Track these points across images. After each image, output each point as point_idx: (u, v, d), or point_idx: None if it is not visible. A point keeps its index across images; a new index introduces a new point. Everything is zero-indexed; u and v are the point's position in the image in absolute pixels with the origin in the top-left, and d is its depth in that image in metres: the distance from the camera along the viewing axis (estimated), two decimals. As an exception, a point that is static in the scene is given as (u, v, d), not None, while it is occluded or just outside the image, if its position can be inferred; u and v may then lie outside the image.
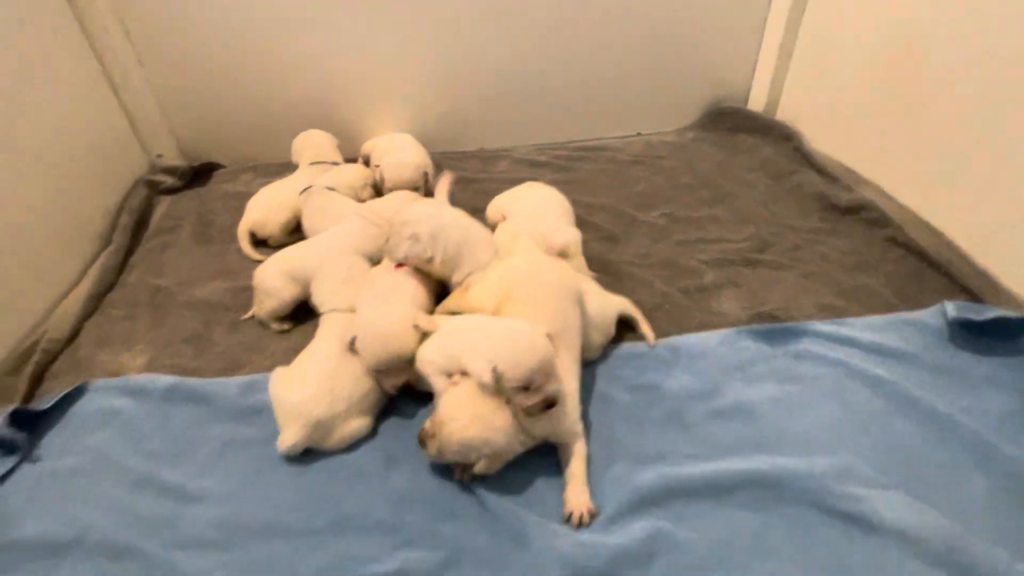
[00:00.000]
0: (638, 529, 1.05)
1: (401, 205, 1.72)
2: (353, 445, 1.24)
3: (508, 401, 1.11)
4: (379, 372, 1.26)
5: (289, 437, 1.19)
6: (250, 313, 1.58)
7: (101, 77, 2.05)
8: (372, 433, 1.27)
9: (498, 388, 1.10)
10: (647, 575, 1.00)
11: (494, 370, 1.09)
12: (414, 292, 1.39)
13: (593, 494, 1.12)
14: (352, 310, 1.39)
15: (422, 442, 1.14)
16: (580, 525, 1.07)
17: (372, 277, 1.46)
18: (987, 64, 1.50)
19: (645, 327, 1.43)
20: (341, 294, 1.42)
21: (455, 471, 1.15)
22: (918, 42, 1.69)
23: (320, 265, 1.49)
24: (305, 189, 1.81)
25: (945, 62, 1.62)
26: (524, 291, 1.27)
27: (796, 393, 1.29)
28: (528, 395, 1.09)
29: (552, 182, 2.08)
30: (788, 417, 1.24)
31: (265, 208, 1.87)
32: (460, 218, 1.47)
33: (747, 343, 1.42)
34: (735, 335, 1.44)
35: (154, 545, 1.08)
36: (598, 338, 1.37)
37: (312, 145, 2.05)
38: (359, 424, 1.24)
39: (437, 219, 1.42)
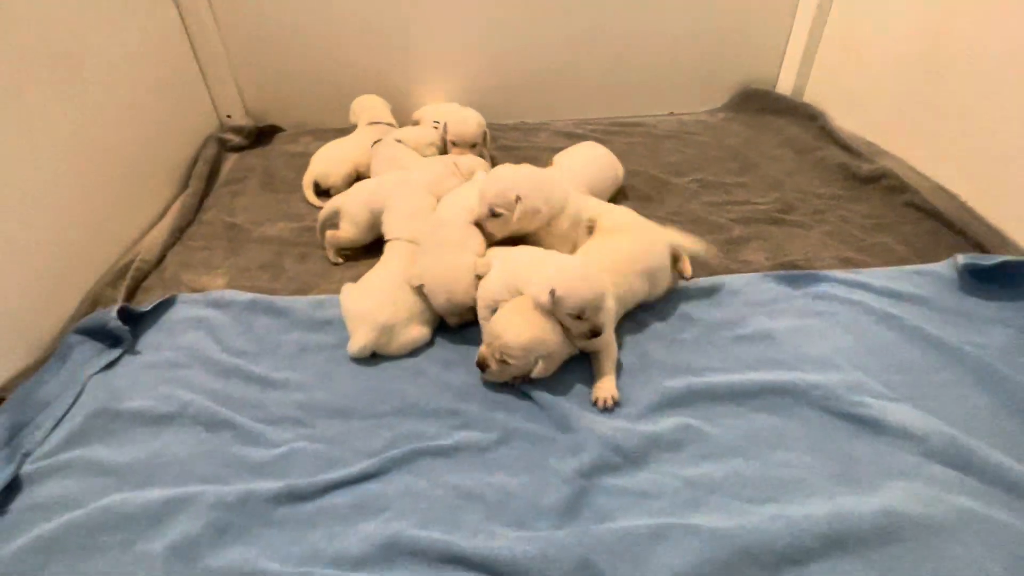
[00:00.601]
0: (669, 422, 1.19)
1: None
2: (414, 352, 1.40)
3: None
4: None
5: (358, 340, 1.35)
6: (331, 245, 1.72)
7: (184, 40, 2.26)
8: (430, 343, 1.42)
9: (552, 310, 1.24)
10: (676, 457, 1.13)
11: (552, 292, 1.22)
12: (476, 243, 1.50)
13: (626, 394, 1.26)
14: (414, 242, 1.55)
15: (482, 366, 1.26)
16: (604, 408, 1.22)
17: (437, 224, 1.54)
18: (1009, 47, 1.62)
19: (685, 262, 1.53)
20: (406, 225, 1.58)
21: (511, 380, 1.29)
22: (945, 28, 1.82)
23: (393, 196, 1.65)
24: (377, 141, 1.98)
25: (968, 45, 1.75)
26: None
27: (814, 325, 1.42)
28: (579, 323, 1.24)
29: (589, 152, 2.25)
30: (805, 342, 1.37)
31: (329, 160, 2.05)
32: (534, 170, 1.57)
33: (771, 285, 1.55)
34: (760, 278, 1.57)
35: (244, 419, 1.24)
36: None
37: (369, 107, 2.23)
38: (419, 332, 1.40)
39: (526, 176, 1.50)
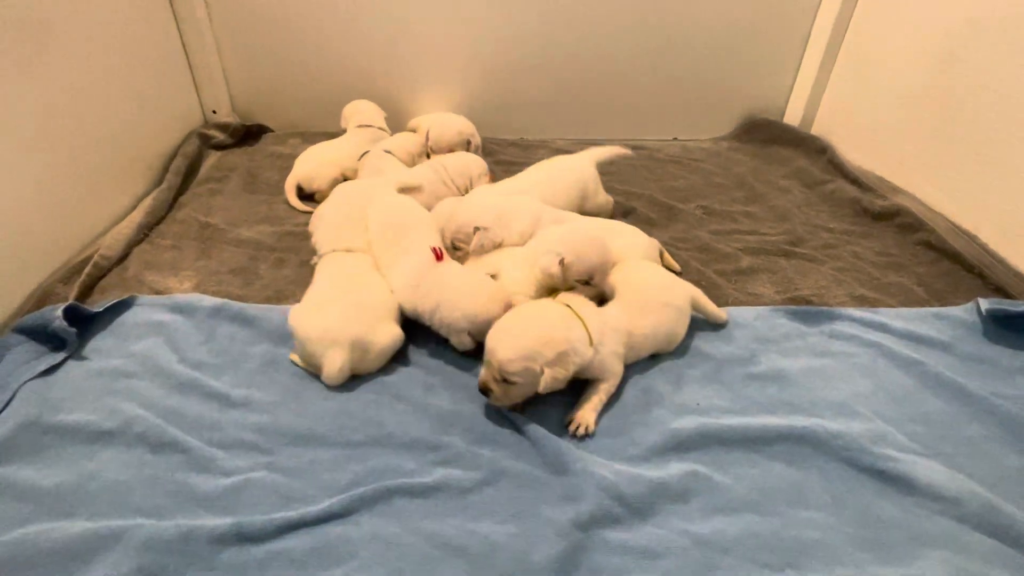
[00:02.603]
0: (676, 468, 1.06)
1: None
2: (391, 371, 1.26)
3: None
4: (462, 332, 1.26)
5: (333, 363, 1.19)
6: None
7: (172, 26, 2.14)
8: (407, 362, 1.29)
9: (563, 278, 1.27)
10: (685, 509, 1.00)
11: (561, 261, 1.23)
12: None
13: (629, 432, 1.13)
14: (350, 250, 1.43)
15: (485, 390, 1.13)
16: (575, 436, 1.11)
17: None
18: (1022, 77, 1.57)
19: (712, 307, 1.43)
20: (339, 236, 1.45)
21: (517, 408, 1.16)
22: (958, 58, 1.77)
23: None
24: (364, 154, 1.87)
25: (983, 78, 1.69)
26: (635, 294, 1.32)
27: (830, 366, 1.31)
28: (587, 288, 1.27)
29: (590, 172, 2.16)
30: (822, 386, 1.26)
31: (316, 163, 1.93)
32: (500, 200, 1.53)
33: (782, 320, 1.44)
34: (770, 312, 1.47)
35: (196, 441, 1.09)
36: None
37: (359, 111, 2.13)
38: (393, 333, 1.26)
39: (491, 207, 1.48)
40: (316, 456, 1.08)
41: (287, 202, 1.91)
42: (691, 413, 1.18)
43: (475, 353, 1.27)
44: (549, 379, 1.08)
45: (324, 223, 1.50)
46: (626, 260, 1.44)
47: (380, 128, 2.10)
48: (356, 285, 1.33)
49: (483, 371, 1.14)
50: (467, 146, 1.97)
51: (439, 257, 1.35)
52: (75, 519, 0.95)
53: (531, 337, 1.09)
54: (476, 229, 1.43)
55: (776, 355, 1.34)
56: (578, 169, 1.75)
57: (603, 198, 1.81)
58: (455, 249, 1.47)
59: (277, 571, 0.89)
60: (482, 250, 1.44)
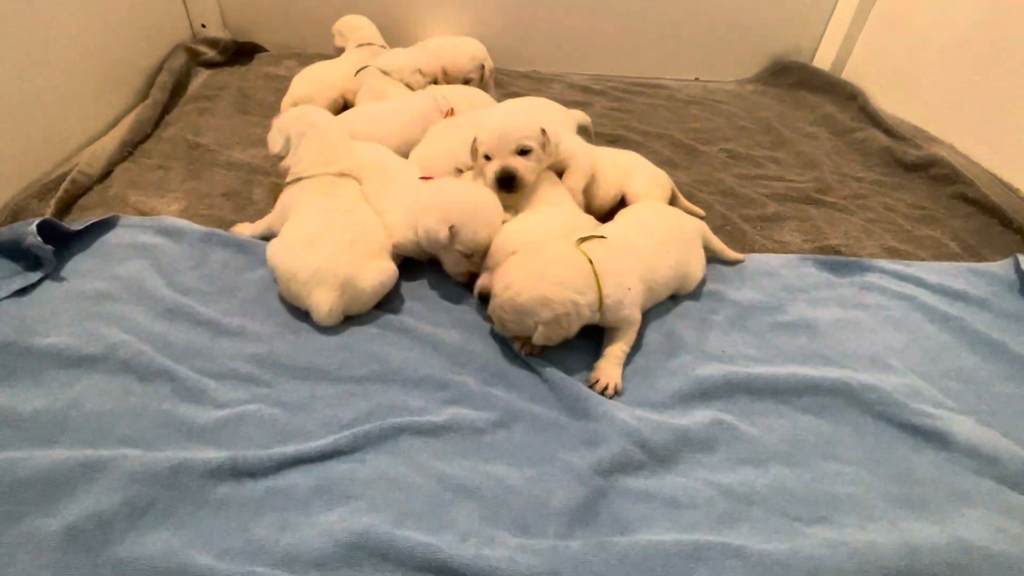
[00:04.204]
0: (700, 416, 1.00)
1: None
2: (394, 305, 1.18)
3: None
4: (461, 256, 1.18)
5: (323, 302, 1.09)
6: None
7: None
8: (411, 297, 1.20)
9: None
10: (709, 458, 0.95)
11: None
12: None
13: (654, 379, 1.06)
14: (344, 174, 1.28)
15: (490, 317, 1.07)
16: (602, 395, 1.02)
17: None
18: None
19: (722, 245, 1.36)
20: (322, 160, 1.28)
21: (516, 344, 1.09)
22: (1012, 3, 1.63)
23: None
24: (362, 68, 1.72)
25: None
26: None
27: (861, 318, 1.24)
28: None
29: (607, 110, 2.05)
30: (853, 338, 1.19)
31: (315, 83, 1.78)
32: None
33: (811, 270, 1.37)
34: (799, 261, 1.38)
35: (186, 370, 1.01)
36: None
37: (357, 28, 1.96)
38: (386, 269, 1.16)
39: (541, 107, 1.40)
40: (317, 391, 1.01)
41: (283, 126, 1.76)
42: (716, 360, 1.11)
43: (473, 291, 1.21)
44: (541, 336, 1.01)
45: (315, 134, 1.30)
46: (639, 201, 1.34)
47: (381, 47, 1.94)
48: (346, 217, 1.19)
49: (493, 301, 1.05)
50: (480, 72, 1.82)
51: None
52: (54, 447, 0.87)
53: (533, 293, 0.99)
54: (544, 131, 1.25)
55: (805, 304, 1.26)
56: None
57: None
58: (522, 154, 1.23)
59: (276, 509, 0.83)
60: (555, 153, 1.29)
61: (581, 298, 1.02)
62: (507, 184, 1.22)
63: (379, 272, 1.15)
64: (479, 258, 1.18)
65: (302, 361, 1.05)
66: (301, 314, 1.14)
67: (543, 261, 1.04)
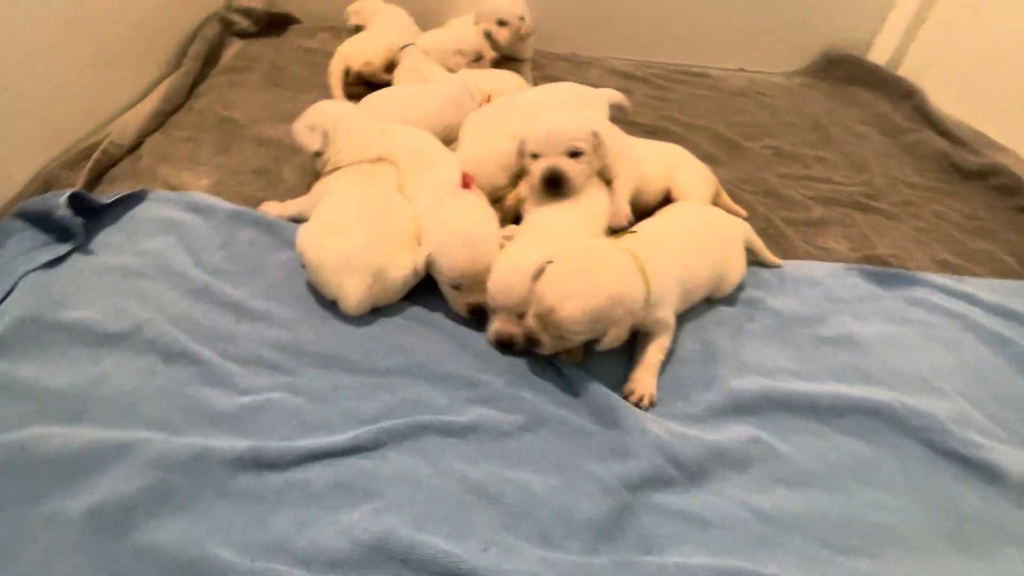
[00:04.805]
0: (735, 432, 0.96)
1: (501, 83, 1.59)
2: (420, 298, 1.14)
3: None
4: (454, 288, 1.09)
5: (354, 292, 1.06)
6: None
7: None
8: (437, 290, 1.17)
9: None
10: (743, 478, 0.91)
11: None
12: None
13: (687, 390, 1.02)
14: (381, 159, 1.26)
15: (534, 341, 0.96)
16: (637, 406, 0.98)
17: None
18: None
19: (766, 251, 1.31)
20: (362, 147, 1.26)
21: (563, 354, 1.03)
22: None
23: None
24: (406, 46, 1.68)
25: None
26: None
27: (908, 335, 1.18)
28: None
29: (647, 99, 1.98)
30: (899, 356, 1.13)
31: (369, 43, 1.77)
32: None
33: (856, 280, 1.30)
34: (843, 270, 1.32)
35: (210, 353, 1.00)
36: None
37: (374, 10, 1.93)
38: (416, 259, 1.12)
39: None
40: (340, 381, 0.99)
41: (315, 100, 1.72)
42: (753, 372, 1.07)
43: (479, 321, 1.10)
44: (612, 339, 0.95)
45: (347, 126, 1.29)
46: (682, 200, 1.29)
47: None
48: (379, 205, 1.17)
49: (530, 320, 0.96)
50: (521, 25, 1.74)
51: (467, 185, 1.18)
52: (79, 426, 0.87)
53: (602, 294, 0.92)
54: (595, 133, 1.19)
55: (848, 318, 1.21)
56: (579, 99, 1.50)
57: None
58: (573, 156, 1.16)
59: (295, 503, 0.81)
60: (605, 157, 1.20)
61: (637, 291, 0.97)
62: (555, 184, 1.15)
63: (410, 264, 1.12)
64: (479, 290, 1.06)
65: (326, 350, 1.04)
66: (327, 300, 1.12)
67: (594, 261, 0.97)
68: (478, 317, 1.08)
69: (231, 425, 0.90)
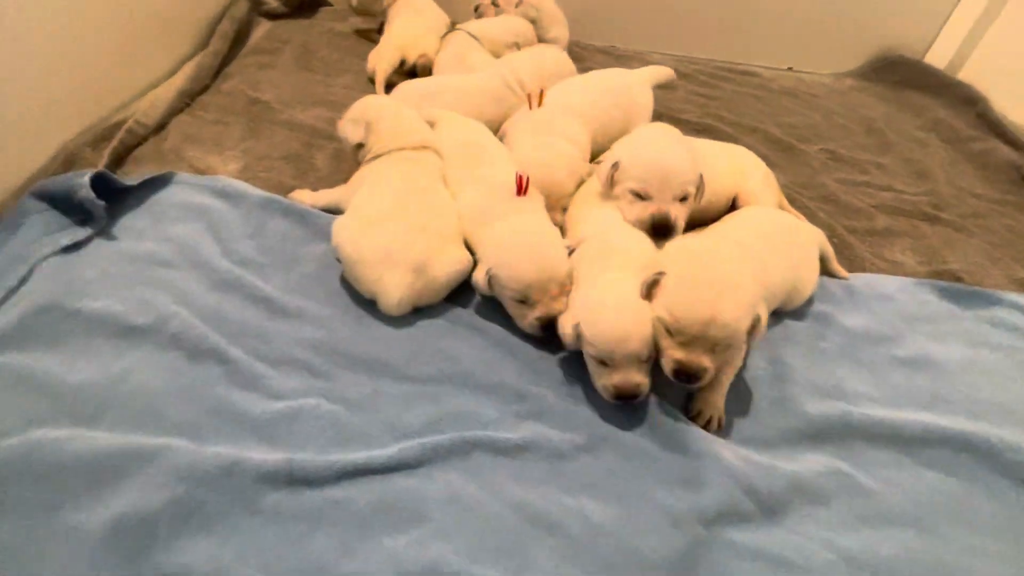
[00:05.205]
0: (814, 462, 0.88)
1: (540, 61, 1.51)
2: (464, 298, 1.06)
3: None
4: (520, 302, 0.98)
5: (394, 290, 0.98)
6: None
7: None
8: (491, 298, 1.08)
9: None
10: (825, 514, 0.82)
11: (576, 326, 0.89)
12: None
13: (758, 412, 0.94)
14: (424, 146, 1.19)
15: (695, 375, 0.83)
16: (707, 429, 0.89)
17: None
18: None
19: (836, 264, 1.22)
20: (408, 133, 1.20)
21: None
22: None
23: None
24: (451, 29, 1.60)
25: None
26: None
27: (992, 360, 1.08)
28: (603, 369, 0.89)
29: (692, 95, 1.89)
30: (984, 383, 1.03)
31: (420, 28, 1.69)
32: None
33: (930, 297, 1.21)
34: (915, 285, 1.22)
35: (239, 352, 0.92)
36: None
37: None
38: (460, 256, 1.05)
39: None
40: (379, 387, 0.91)
41: (347, 85, 1.66)
42: (828, 396, 0.98)
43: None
44: (764, 326, 0.86)
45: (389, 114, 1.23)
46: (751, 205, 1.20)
47: None
48: (420, 196, 1.09)
49: (683, 355, 0.83)
50: None
51: (522, 189, 1.07)
52: (99, 427, 0.79)
53: (746, 280, 0.84)
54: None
55: (925, 338, 1.11)
56: (630, 90, 1.43)
57: None
58: (681, 201, 1.06)
59: (335, 525, 0.73)
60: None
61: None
62: (663, 233, 1.05)
63: (455, 260, 1.04)
64: (548, 302, 0.97)
65: (364, 352, 0.95)
66: (364, 298, 1.03)
67: (708, 254, 0.87)
68: (548, 333, 0.97)
69: (263, 433, 0.82)
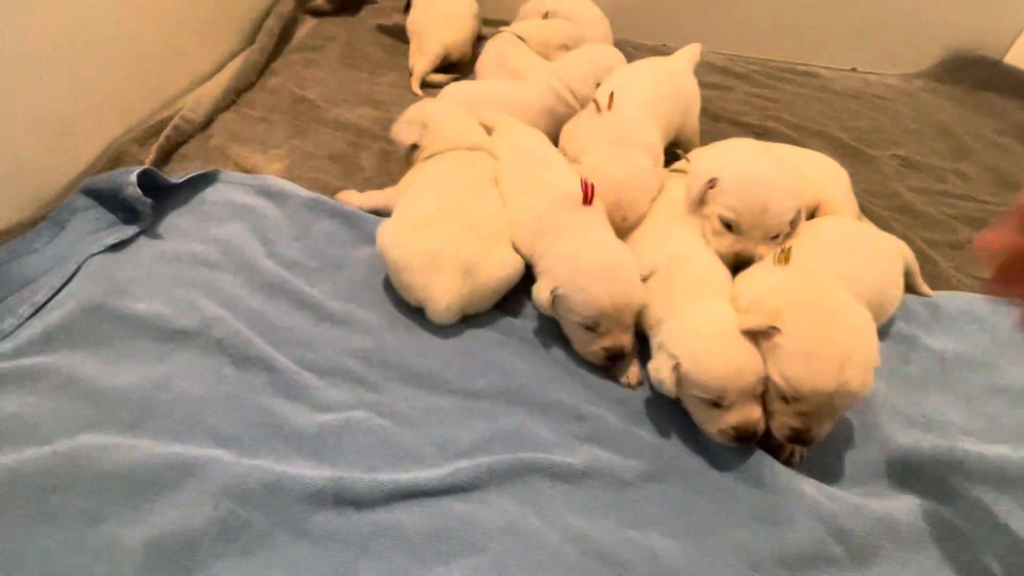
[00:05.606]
0: (902, 500, 0.79)
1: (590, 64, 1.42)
2: (517, 308, 1.01)
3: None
4: (588, 331, 0.90)
5: (443, 294, 0.92)
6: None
7: None
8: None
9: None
10: (921, 559, 0.74)
11: (676, 366, 0.79)
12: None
13: (838, 444, 0.85)
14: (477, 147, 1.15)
15: (805, 439, 0.76)
16: (788, 464, 0.82)
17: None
18: None
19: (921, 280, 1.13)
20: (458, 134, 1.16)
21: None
22: None
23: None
24: (498, 31, 1.56)
25: None
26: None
27: (1105, 393, 0.97)
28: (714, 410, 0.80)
29: (750, 97, 1.80)
30: (1094, 418, 0.93)
31: (460, 24, 1.66)
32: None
33: (1024, 319, 1.09)
34: (1008, 306, 1.11)
35: (285, 360, 0.88)
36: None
37: None
38: (511, 260, 0.98)
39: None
40: (430, 402, 0.86)
41: (392, 83, 1.62)
42: (915, 426, 0.89)
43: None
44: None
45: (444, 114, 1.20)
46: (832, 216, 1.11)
47: None
48: (468, 196, 1.04)
49: (797, 422, 0.76)
50: None
51: (588, 197, 0.97)
52: (140, 435, 0.76)
53: (869, 334, 0.79)
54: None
55: (1021, 368, 1.01)
56: (678, 78, 1.32)
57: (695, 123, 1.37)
58: (774, 238, 0.97)
59: (385, 552, 0.68)
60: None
61: None
62: (739, 268, 0.96)
63: (504, 264, 0.98)
64: (619, 331, 0.89)
65: (414, 363, 0.90)
66: (413, 306, 0.99)
67: (837, 328, 0.77)
68: (615, 363, 0.90)
69: (309, 448, 0.78)
